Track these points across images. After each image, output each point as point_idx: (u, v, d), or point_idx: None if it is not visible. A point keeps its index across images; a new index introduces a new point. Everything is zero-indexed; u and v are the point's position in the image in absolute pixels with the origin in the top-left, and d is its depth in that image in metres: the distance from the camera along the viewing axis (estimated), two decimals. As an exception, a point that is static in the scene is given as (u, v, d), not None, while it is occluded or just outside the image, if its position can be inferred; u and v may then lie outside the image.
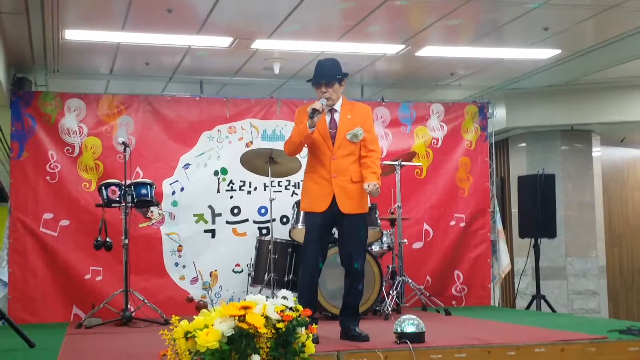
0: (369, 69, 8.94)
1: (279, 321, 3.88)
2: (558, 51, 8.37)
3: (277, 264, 7.34)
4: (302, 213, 7.09)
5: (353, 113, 5.44)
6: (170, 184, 8.27)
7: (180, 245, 8.24)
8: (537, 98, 10.23)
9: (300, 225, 7.33)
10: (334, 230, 5.55)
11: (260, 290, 7.21)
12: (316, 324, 4.44)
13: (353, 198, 5.39)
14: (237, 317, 3.78)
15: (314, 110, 5.23)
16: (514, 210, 10.31)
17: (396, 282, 7.48)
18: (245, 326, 3.75)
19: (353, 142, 5.38)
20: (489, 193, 9.19)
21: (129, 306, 6.95)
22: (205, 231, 8.32)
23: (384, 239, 7.71)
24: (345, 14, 7.08)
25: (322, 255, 5.42)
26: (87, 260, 7.89)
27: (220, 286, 8.28)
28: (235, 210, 8.42)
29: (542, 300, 8.65)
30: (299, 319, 3.95)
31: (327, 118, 5.43)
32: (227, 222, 8.38)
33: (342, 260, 5.47)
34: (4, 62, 7.64)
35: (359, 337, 5.23)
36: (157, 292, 7.92)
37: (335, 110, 5.46)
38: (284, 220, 8.38)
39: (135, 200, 7.07)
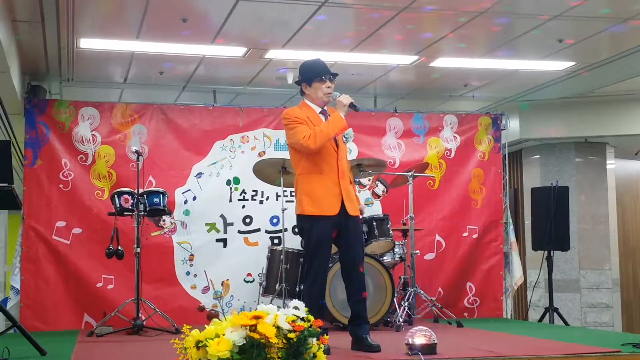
0: (383, 80, 8.94)
1: (290, 331, 3.87)
2: (572, 63, 8.35)
3: (289, 273, 7.32)
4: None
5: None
6: (182, 193, 8.28)
7: (192, 255, 8.24)
8: (551, 110, 10.19)
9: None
10: None
11: (271, 300, 7.20)
12: (327, 335, 4.43)
13: (354, 200, 5.40)
14: (248, 327, 3.77)
15: (352, 103, 5.28)
16: (527, 222, 10.27)
17: (408, 293, 7.45)
18: (256, 336, 3.74)
19: (345, 144, 5.42)
20: (502, 205, 9.16)
21: (140, 315, 6.95)
22: (217, 240, 8.32)
23: (396, 249, 7.68)
24: (360, 25, 7.09)
25: (328, 268, 5.40)
26: (99, 269, 7.90)
27: (232, 295, 8.27)
28: (247, 220, 8.42)
29: (555, 313, 8.59)
30: (310, 329, 3.94)
31: (322, 118, 5.39)
32: (239, 232, 8.38)
33: (345, 265, 5.38)
34: (19, 70, 7.68)
35: (370, 348, 5.21)
36: (169, 301, 7.92)
37: (326, 112, 5.45)
38: (296, 230, 8.34)
39: (147, 209, 7.08)
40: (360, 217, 5.59)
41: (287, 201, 7.61)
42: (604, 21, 6.97)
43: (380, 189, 8.60)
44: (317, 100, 5.42)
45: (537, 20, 6.91)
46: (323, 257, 5.31)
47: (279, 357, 3.83)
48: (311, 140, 5.20)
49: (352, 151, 8.60)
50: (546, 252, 8.76)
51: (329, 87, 5.37)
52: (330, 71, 5.45)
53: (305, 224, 5.35)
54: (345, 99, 5.29)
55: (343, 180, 5.31)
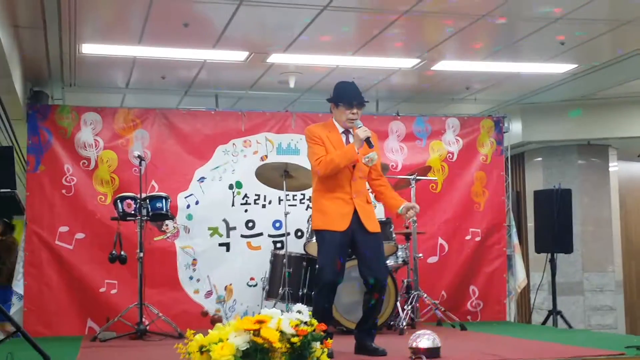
0: (385, 83, 8.95)
1: (293, 335, 3.87)
2: (574, 65, 8.35)
3: (292, 278, 7.32)
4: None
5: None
6: (185, 198, 8.28)
7: (194, 259, 8.23)
8: (553, 112, 10.19)
9: (314, 240, 7.31)
10: None
11: (274, 304, 7.19)
12: (331, 339, 4.42)
13: (373, 218, 5.42)
14: (252, 331, 3.77)
15: (368, 138, 5.28)
16: (530, 224, 10.26)
17: (411, 296, 7.45)
18: (260, 340, 3.74)
19: (367, 166, 5.41)
20: (505, 207, 9.15)
21: (143, 320, 6.95)
22: (220, 245, 8.32)
23: (399, 253, 7.67)
24: (361, 28, 7.09)
25: (341, 275, 5.39)
26: (102, 274, 7.90)
27: (235, 300, 8.26)
28: (250, 224, 8.41)
29: (559, 316, 8.58)
30: (313, 333, 3.94)
31: (343, 138, 5.43)
32: (242, 236, 8.38)
33: (368, 280, 5.36)
34: (21, 76, 7.70)
35: (376, 352, 5.20)
36: (172, 306, 7.91)
37: (349, 132, 5.46)
38: (299, 234, 8.36)
39: (150, 214, 7.09)
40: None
41: (289, 205, 7.63)
42: (606, 23, 6.97)
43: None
44: (341, 122, 5.46)
45: (539, 23, 6.91)
46: (331, 269, 5.29)
47: (282, 362, 3.83)
48: (321, 167, 5.32)
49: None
50: (549, 254, 8.75)
51: (353, 113, 5.39)
52: (359, 98, 5.45)
53: (318, 238, 5.48)
54: (362, 132, 5.29)
55: (357, 199, 5.34)
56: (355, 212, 5.31)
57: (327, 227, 5.33)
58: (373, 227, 5.37)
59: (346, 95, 5.45)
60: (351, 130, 5.42)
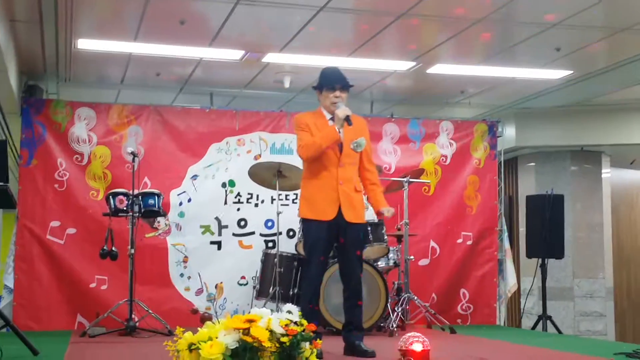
0: (379, 85, 8.95)
1: (283, 335, 3.87)
2: (570, 72, 8.37)
3: (283, 277, 7.32)
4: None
5: (353, 121, 5.41)
6: (177, 195, 8.27)
7: (186, 256, 8.23)
8: (547, 118, 10.21)
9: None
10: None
11: (265, 304, 7.19)
12: (320, 339, 4.43)
13: (356, 207, 5.40)
14: (241, 330, 3.77)
15: (348, 117, 5.26)
16: (522, 229, 10.28)
17: (402, 298, 7.46)
18: (249, 339, 3.74)
19: (355, 151, 5.39)
20: (497, 212, 9.16)
21: (133, 316, 6.94)
22: (212, 243, 8.32)
23: (391, 255, 7.68)
24: (358, 30, 7.10)
25: (325, 270, 5.41)
26: (92, 269, 7.89)
27: (225, 298, 8.26)
28: (242, 223, 8.41)
29: (548, 321, 8.60)
30: (303, 333, 3.94)
31: (331, 125, 5.40)
32: (234, 234, 8.37)
33: (343, 271, 5.41)
34: (16, 70, 7.68)
35: (365, 353, 5.21)
36: (162, 303, 7.90)
37: None
38: (291, 233, 8.36)
39: (142, 210, 7.08)
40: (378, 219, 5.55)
41: (282, 205, 7.63)
42: (601, 30, 6.99)
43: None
44: (327, 108, 5.45)
45: (535, 29, 6.93)
46: (316, 260, 5.34)
47: (271, 361, 3.83)
48: (303, 150, 5.34)
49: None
50: (540, 259, 8.77)
51: (336, 96, 5.39)
52: (342, 81, 5.46)
53: (304, 226, 5.52)
54: (341, 112, 5.29)
55: (343, 186, 5.32)
56: (340, 200, 5.30)
57: (313, 216, 5.33)
58: (353, 217, 5.34)
59: (329, 78, 5.47)
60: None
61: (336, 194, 5.30)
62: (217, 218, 8.34)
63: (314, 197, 5.35)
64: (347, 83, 5.48)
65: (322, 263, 5.38)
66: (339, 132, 5.29)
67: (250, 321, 3.80)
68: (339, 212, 5.30)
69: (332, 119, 5.42)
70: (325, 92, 5.44)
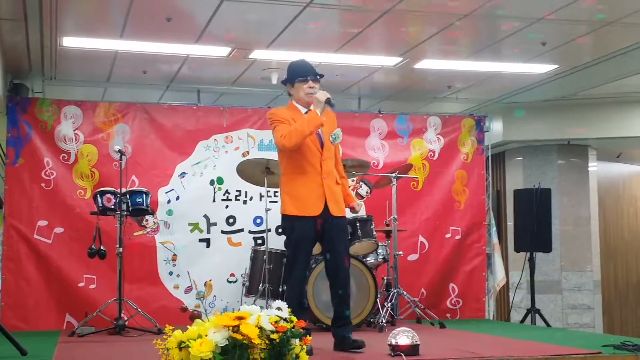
0: (367, 81, 8.95)
1: (273, 332, 3.86)
2: (555, 66, 8.39)
3: (272, 274, 7.31)
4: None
5: (325, 116, 5.38)
6: (165, 193, 8.25)
7: (174, 254, 8.21)
8: (534, 112, 10.25)
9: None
10: None
11: (254, 301, 7.19)
12: (310, 335, 4.43)
13: (339, 200, 5.40)
14: (231, 328, 3.76)
15: (329, 99, 5.23)
16: (510, 223, 10.31)
17: (391, 294, 7.46)
18: (239, 337, 3.73)
19: (333, 144, 5.39)
20: (485, 206, 9.19)
21: (122, 315, 6.92)
22: (200, 240, 8.30)
23: (379, 250, 7.68)
24: (344, 26, 7.09)
25: (309, 266, 5.41)
26: (80, 268, 7.86)
27: (215, 296, 8.25)
28: (231, 220, 8.40)
29: (537, 314, 8.64)
30: (293, 330, 3.93)
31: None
32: (222, 232, 8.36)
33: (329, 264, 5.38)
34: (1, 68, 7.63)
35: (355, 343, 5.21)
36: (151, 301, 7.88)
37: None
38: (280, 230, 8.35)
39: (130, 209, 7.05)
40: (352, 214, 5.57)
41: (270, 201, 7.62)
42: (586, 24, 7.02)
43: (364, 189, 8.59)
44: (301, 100, 5.42)
45: (521, 23, 6.95)
46: (303, 257, 5.34)
47: (261, 358, 3.83)
48: (287, 139, 5.24)
49: (336, 152, 8.60)
50: (528, 253, 8.80)
51: (310, 87, 5.36)
52: (314, 71, 5.44)
53: (287, 224, 5.41)
54: (322, 95, 5.25)
55: (327, 180, 5.31)
56: (325, 194, 5.29)
57: (299, 212, 5.27)
58: (337, 210, 5.34)
59: (300, 70, 5.44)
60: (311, 108, 5.34)
61: (322, 189, 5.28)
62: (205, 216, 8.33)
63: (299, 192, 5.30)
64: (318, 73, 5.46)
65: (308, 259, 5.39)
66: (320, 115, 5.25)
67: (240, 318, 3.79)
68: (325, 207, 5.28)
69: (308, 112, 5.36)
70: (298, 84, 5.40)
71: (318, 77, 5.45)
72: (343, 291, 5.38)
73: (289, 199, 5.34)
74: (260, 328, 3.82)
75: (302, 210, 5.28)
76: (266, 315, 3.90)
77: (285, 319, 3.96)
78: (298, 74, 5.43)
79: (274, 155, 7.84)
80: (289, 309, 4.00)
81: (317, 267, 6.95)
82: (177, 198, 8.27)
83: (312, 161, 5.31)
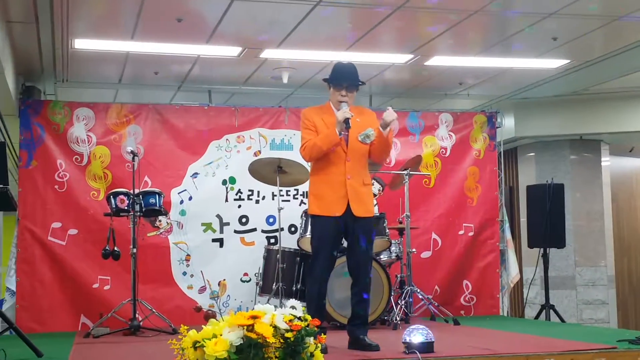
0: (378, 78, 8.94)
1: (287, 331, 3.86)
2: (567, 61, 8.36)
3: (285, 273, 7.32)
4: (309, 219, 6.96)
5: (362, 117, 5.41)
6: (178, 193, 8.27)
7: (188, 255, 8.23)
8: (545, 107, 10.21)
9: (308, 234, 7.30)
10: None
11: (268, 300, 7.20)
12: (325, 334, 4.43)
13: (364, 202, 5.38)
14: (245, 327, 3.76)
15: (347, 120, 5.23)
16: (523, 219, 10.28)
17: (404, 291, 7.46)
18: (253, 336, 3.73)
19: (364, 144, 5.34)
20: (498, 202, 9.17)
21: (137, 315, 6.94)
22: (214, 240, 8.32)
23: (393, 248, 7.69)
24: (355, 24, 7.09)
25: (332, 267, 5.41)
26: (95, 270, 7.89)
27: (229, 295, 8.27)
28: (244, 220, 8.41)
29: (551, 310, 8.61)
30: (307, 328, 3.93)
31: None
32: (235, 232, 8.37)
33: (352, 266, 5.41)
34: (13, 71, 7.67)
35: (369, 347, 5.21)
36: (165, 302, 7.91)
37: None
38: (292, 229, 8.37)
39: (143, 210, 7.07)
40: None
41: (283, 200, 7.63)
42: (598, 19, 6.98)
43: (376, 187, 8.57)
44: (335, 104, 5.45)
45: (532, 19, 6.92)
46: (325, 257, 5.34)
47: (276, 357, 3.83)
48: (305, 152, 5.37)
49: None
50: (542, 249, 8.77)
51: (343, 95, 5.38)
52: (350, 80, 5.42)
53: (311, 223, 5.53)
54: (341, 114, 5.26)
55: (351, 180, 5.32)
56: (348, 195, 5.29)
57: (323, 212, 5.32)
58: (361, 211, 5.33)
59: (337, 76, 5.45)
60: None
61: (344, 189, 5.29)
62: (218, 215, 8.34)
63: (322, 193, 5.35)
64: (355, 83, 5.44)
65: (329, 259, 5.38)
66: (340, 134, 5.26)
67: (254, 317, 3.79)
68: (348, 208, 5.29)
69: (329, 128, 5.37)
70: (333, 89, 5.43)
71: (356, 85, 5.44)
72: (363, 292, 5.38)
73: (313, 199, 5.42)
74: (275, 327, 3.83)
75: (324, 210, 5.32)
76: (280, 314, 3.90)
77: (299, 318, 3.96)
78: (335, 79, 5.44)
79: (286, 154, 7.92)
80: (307, 309, 4.00)
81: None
82: (190, 198, 8.29)
83: (335, 162, 5.33)
